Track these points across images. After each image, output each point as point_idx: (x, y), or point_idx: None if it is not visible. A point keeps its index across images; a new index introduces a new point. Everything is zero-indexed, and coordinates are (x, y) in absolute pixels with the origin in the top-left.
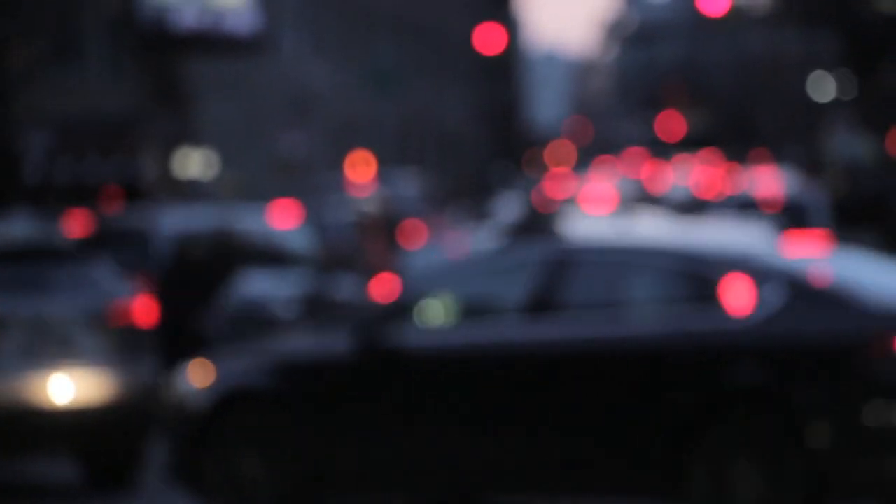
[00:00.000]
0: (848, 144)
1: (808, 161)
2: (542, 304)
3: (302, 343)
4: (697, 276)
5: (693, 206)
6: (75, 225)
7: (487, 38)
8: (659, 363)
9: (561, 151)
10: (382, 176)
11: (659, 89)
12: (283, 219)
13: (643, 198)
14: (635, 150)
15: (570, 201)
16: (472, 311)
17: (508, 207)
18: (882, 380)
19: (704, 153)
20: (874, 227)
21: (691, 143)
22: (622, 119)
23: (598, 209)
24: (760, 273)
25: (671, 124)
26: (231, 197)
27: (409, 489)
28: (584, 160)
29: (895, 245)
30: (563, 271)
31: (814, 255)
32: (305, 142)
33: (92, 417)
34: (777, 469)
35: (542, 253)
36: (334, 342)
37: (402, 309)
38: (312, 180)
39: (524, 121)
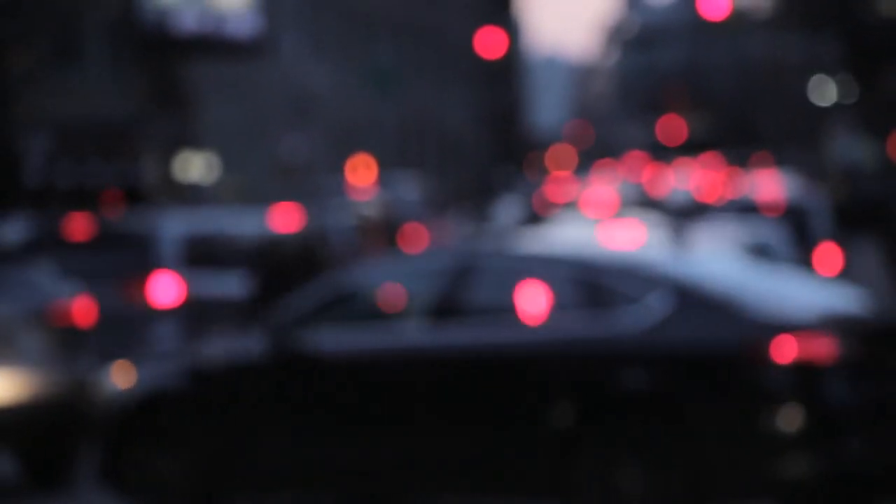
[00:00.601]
0: (849, 148)
1: (810, 165)
2: (446, 309)
3: (220, 347)
4: (590, 283)
5: (694, 210)
6: (75, 228)
7: (488, 42)
8: (551, 368)
9: (562, 155)
10: (383, 179)
11: (660, 93)
12: (283, 222)
13: (644, 201)
14: (636, 154)
15: (571, 205)
16: (381, 314)
17: (509, 211)
18: (762, 385)
19: (705, 157)
20: (875, 231)
21: (692, 147)
22: (623, 123)
23: (599, 213)
24: (648, 281)
25: (672, 128)
26: (232, 200)
27: (320, 489)
28: (585, 164)
29: (895, 248)
30: (467, 277)
31: (703, 261)
32: (306, 145)
33: (30, 416)
34: (664, 473)
35: (449, 259)
36: (248, 346)
37: (315, 312)
38: (313, 184)
39: (525, 124)
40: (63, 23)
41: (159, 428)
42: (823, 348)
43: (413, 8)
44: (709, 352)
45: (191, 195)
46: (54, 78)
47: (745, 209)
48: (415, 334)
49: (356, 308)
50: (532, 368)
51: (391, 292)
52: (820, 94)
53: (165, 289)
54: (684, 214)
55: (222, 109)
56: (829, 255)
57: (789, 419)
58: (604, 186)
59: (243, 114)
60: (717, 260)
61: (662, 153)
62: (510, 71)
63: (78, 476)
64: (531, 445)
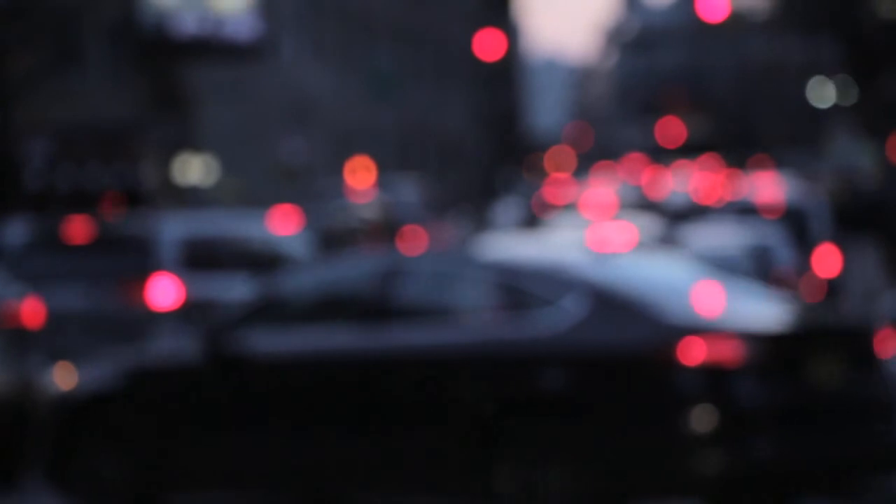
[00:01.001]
0: (848, 150)
1: (809, 167)
2: (374, 311)
3: (159, 349)
4: (510, 286)
5: (693, 212)
6: (75, 230)
7: (487, 45)
8: (472, 370)
9: (561, 157)
10: (382, 182)
11: (659, 95)
12: (283, 225)
13: (643, 204)
14: (635, 156)
15: (570, 207)
16: (315, 316)
17: (508, 213)
18: (672, 386)
19: (704, 159)
20: (874, 233)
21: (691, 149)
22: (622, 125)
23: (598, 215)
24: (566, 284)
25: (671, 130)
26: (231, 203)
27: (257, 488)
28: (584, 166)
29: (895, 251)
30: (394, 280)
31: (623, 264)
32: (305, 148)
33: None
34: (580, 473)
35: (376, 262)
36: (186, 348)
37: (250, 314)
38: (313, 186)
39: (524, 127)
40: (63, 26)
41: (102, 428)
42: (730, 350)
43: (412, 10)
44: (622, 353)
45: (190, 198)
46: (54, 81)
47: (745, 211)
48: (343, 337)
49: (289, 310)
50: (453, 370)
51: (322, 295)
52: (819, 96)
53: (165, 291)
54: (683, 216)
55: (222, 112)
56: (828, 257)
57: (699, 419)
58: (603, 188)
59: (243, 117)
60: (642, 262)
61: (661, 155)
62: (509, 73)
63: (25, 476)
64: (453, 445)
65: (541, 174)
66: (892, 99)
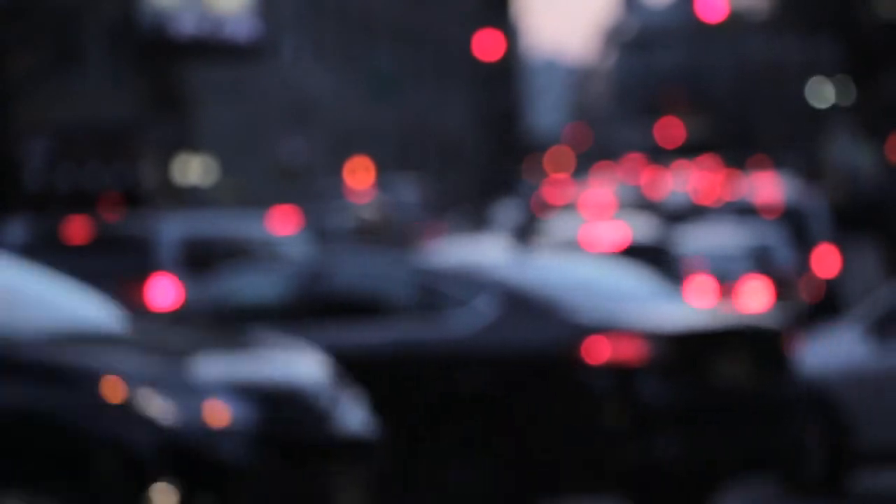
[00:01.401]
0: (847, 151)
1: (808, 167)
2: (297, 312)
3: None
4: (427, 288)
5: (692, 213)
6: (75, 230)
7: (487, 45)
8: (389, 370)
9: (560, 158)
10: (382, 182)
11: (658, 95)
12: (282, 225)
13: (642, 204)
14: (634, 157)
15: (570, 207)
16: (245, 317)
17: (507, 214)
18: (578, 385)
19: (703, 159)
20: (873, 233)
21: (690, 149)
22: (621, 125)
23: (598, 215)
24: (480, 286)
25: (670, 130)
26: (231, 203)
27: None
28: (584, 166)
29: (894, 250)
30: (319, 282)
31: (536, 265)
32: (305, 148)
33: None
34: (494, 470)
35: (301, 264)
36: None
37: (182, 315)
38: (312, 186)
39: (523, 127)
40: (62, 26)
41: None
42: (634, 349)
43: (412, 10)
44: (530, 353)
45: (190, 198)
46: (54, 81)
47: (744, 211)
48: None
49: (220, 311)
50: (371, 370)
51: (254, 298)
52: (818, 96)
53: (164, 291)
54: (682, 217)
55: (221, 112)
56: (827, 257)
57: (605, 417)
58: (602, 189)
59: (242, 117)
60: (561, 264)
61: (660, 155)
62: (508, 73)
63: None
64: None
65: (540, 174)
66: (891, 99)
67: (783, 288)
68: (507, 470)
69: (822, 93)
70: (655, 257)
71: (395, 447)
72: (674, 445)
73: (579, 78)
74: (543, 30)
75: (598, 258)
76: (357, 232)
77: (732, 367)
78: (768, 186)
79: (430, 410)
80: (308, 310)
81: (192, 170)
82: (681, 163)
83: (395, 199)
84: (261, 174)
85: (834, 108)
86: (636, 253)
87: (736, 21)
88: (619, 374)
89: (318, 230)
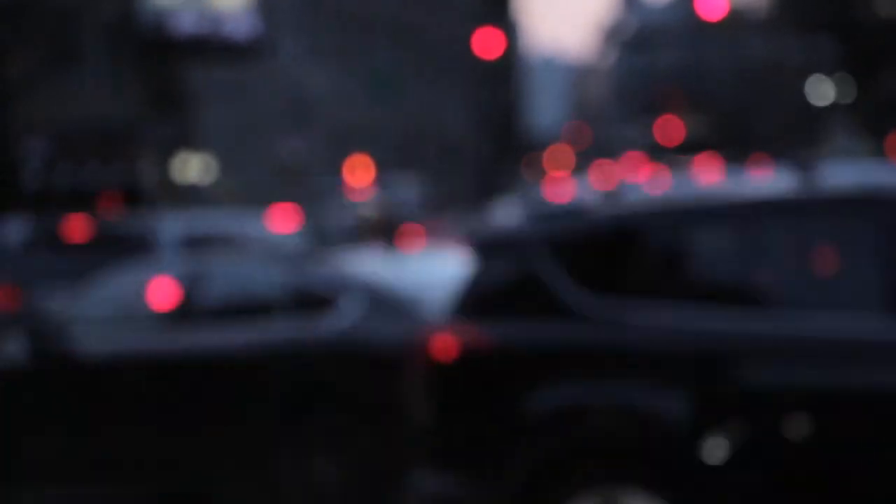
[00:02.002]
0: (846, 149)
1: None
2: (178, 313)
3: None
4: (299, 289)
5: None
6: (74, 229)
7: (486, 43)
8: (260, 369)
9: (560, 156)
10: (381, 180)
11: (657, 94)
12: (281, 224)
13: None
14: (634, 155)
15: None
16: (128, 318)
17: (506, 212)
18: (432, 381)
19: (703, 157)
20: None
21: (690, 148)
22: (621, 123)
23: None
24: (345, 285)
25: (670, 129)
26: (230, 202)
27: (83, 485)
28: (583, 164)
29: None
30: (198, 283)
31: (401, 265)
32: (304, 146)
33: None
34: (357, 467)
35: (182, 265)
36: (14, 348)
37: (76, 315)
38: (312, 185)
39: (523, 125)
40: (61, 26)
41: None
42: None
43: (411, 9)
44: (389, 350)
45: (189, 197)
46: (53, 81)
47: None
48: (153, 338)
49: (111, 312)
50: (242, 370)
51: (134, 298)
52: (817, 95)
53: (164, 291)
54: None
55: (221, 111)
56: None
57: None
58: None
59: (241, 115)
60: (429, 262)
61: (660, 154)
62: (508, 72)
63: None
64: (240, 442)
65: (539, 173)
66: (890, 97)
67: None
68: (368, 464)
69: (822, 91)
70: None
71: (264, 442)
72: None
73: (579, 76)
74: (543, 28)
75: (459, 257)
76: (356, 230)
77: None
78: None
79: (297, 407)
80: (187, 312)
81: (192, 168)
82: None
83: (394, 198)
84: (260, 173)
85: (833, 106)
86: None
87: (735, 19)
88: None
89: (317, 229)
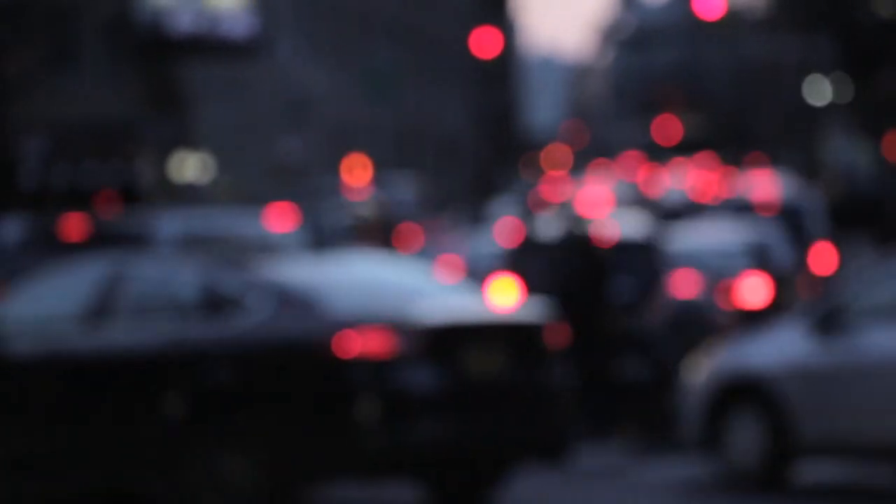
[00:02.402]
0: (844, 148)
1: (805, 165)
2: (97, 312)
3: None
4: (210, 288)
5: (689, 210)
6: (72, 228)
7: (484, 42)
8: (171, 367)
9: (557, 155)
10: (379, 180)
11: (655, 93)
12: (279, 223)
13: (639, 201)
14: (632, 154)
15: (567, 205)
16: (53, 318)
17: (504, 211)
18: (336, 376)
19: (701, 157)
20: (870, 230)
21: (688, 147)
22: (619, 123)
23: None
24: (254, 285)
25: (668, 128)
26: (228, 201)
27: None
28: (581, 164)
29: (891, 247)
30: (116, 283)
31: (308, 265)
32: (302, 146)
33: None
34: (264, 459)
35: (102, 266)
36: None
37: (11, 314)
38: (309, 184)
39: (521, 124)
40: (58, 25)
41: None
42: (385, 342)
43: (409, 8)
44: (294, 348)
45: (187, 196)
46: (50, 80)
47: (741, 209)
48: (72, 337)
49: (34, 312)
50: (155, 367)
51: (58, 298)
52: (815, 94)
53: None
54: (679, 214)
55: (218, 110)
56: (824, 255)
57: (360, 406)
58: (599, 186)
59: (239, 114)
60: (337, 263)
61: (658, 153)
62: (506, 71)
63: None
64: (152, 437)
65: (537, 172)
66: (888, 97)
67: (780, 285)
68: (276, 459)
69: (820, 90)
70: (644, 254)
71: (174, 439)
72: (428, 433)
73: (576, 75)
74: (540, 27)
75: (386, 257)
76: (354, 229)
77: (489, 359)
78: (765, 184)
79: (206, 404)
80: (103, 312)
81: (189, 167)
82: (678, 160)
83: (392, 197)
84: (258, 172)
85: (831, 105)
86: (625, 249)
87: (733, 19)
88: (370, 365)
89: (315, 228)
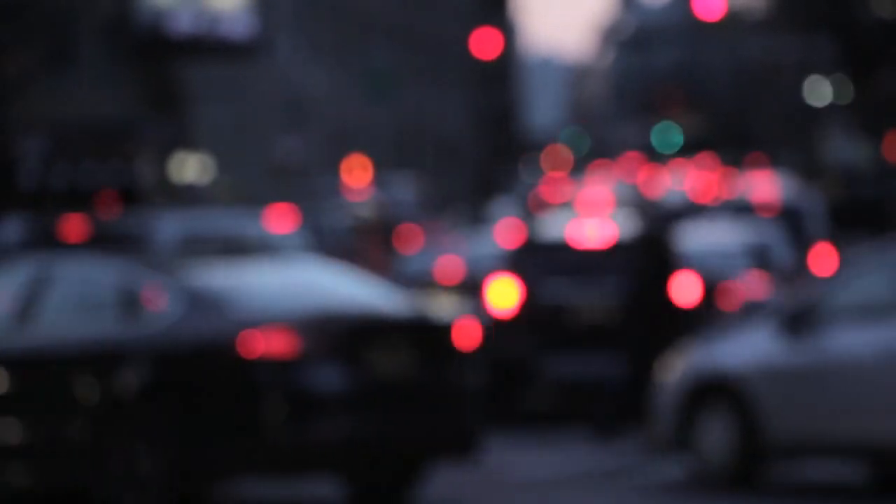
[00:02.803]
0: (844, 149)
1: (805, 165)
2: (23, 313)
3: None
4: (126, 289)
5: (689, 211)
6: (72, 230)
7: (484, 43)
8: (84, 367)
9: (557, 156)
10: (379, 180)
11: (655, 94)
12: (279, 223)
13: (640, 202)
14: (632, 155)
15: (567, 206)
16: None
17: (504, 212)
18: (241, 376)
19: (701, 158)
20: (870, 231)
21: (688, 148)
22: (618, 123)
23: (595, 213)
24: (168, 286)
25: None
26: (227, 202)
27: None
28: (581, 165)
29: None
30: (41, 284)
31: (219, 268)
32: (301, 146)
33: None
34: (176, 457)
35: (29, 266)
36: None
37: None
38: (309, 185)
39: (521, 125)
40: (58, 25)
41: None
42: (287, 342)
43: (408, 9)
44: (203, 349)
45: (186, 196)
46: (50, 80)
47: (741, 209)
48: (1, 337)
49: None
50: (75, 366)
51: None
52: (815, 95)
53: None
54: (679, 215)
55: (218, 111)
56: (824, 255)
57: (264, 405)
58: (599, 187)
59: (239, 115)
60: (251, 265)
61: (658, 154)
62: (506, 72)
63: None
64: (74, 434)
65: (537, 173)
66: (887, 97)
67: (780, 286)
68: (186, 456)
69: (820, 91)
70: (643, 254)
71: (95, 436)
72: (334, 432)
73: (576, 76)
74: (540, 28)
75: (311, 261)
76: (353, 230)
77: (395, 358)
78: (765, 185)
79: (123, 402)
80: (28, 312)
81: (189, 168)
82: (678, 161)
83: (391, 198)
84: (257, 172)
85: (831, 106)
86: (623, 250)
87: (733, 19)
88: (274, 365)
89: (314, 229)
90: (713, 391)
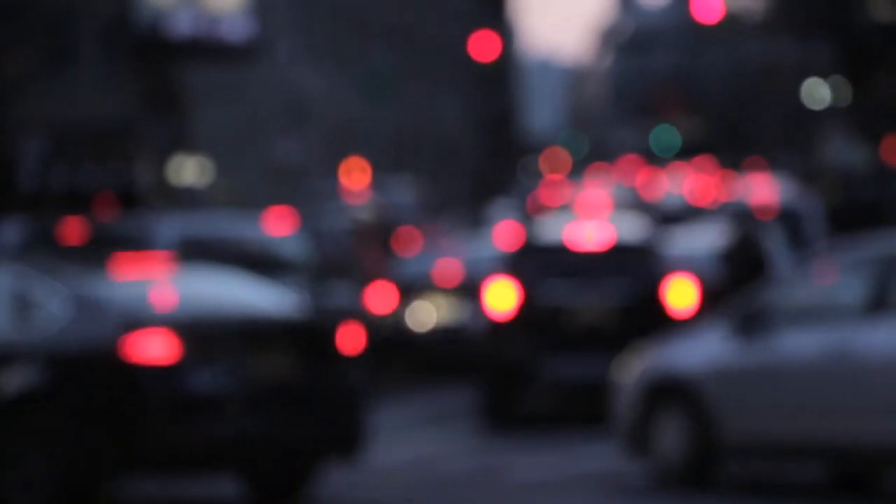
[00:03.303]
0: (842, 152)
1: (803, 168)
2: None
3: None
4: (19, 294)
5: (687, 214)
6: (70, 231)
7: (482, 46)
8: None
9: (556, 158)
10: (377, 183)
11: (654, 96)
12: (278, 226)
13: (638, 205)
14: (630, 158)
15: (565, 208)
16: None
17: (503, 215)
18: (124, 378)
19: (699, 160)
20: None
21: (686, 151)
22: (617, 126)
23: (593, 215)
24: (58, 291)
25: (666, 131)
26: (226, 204)
27: None
28: (579, 167)
29: None
30: None
31: (153, 276)
32: (300, 149)
33: None
34: (65, 459)
35: None
36: None
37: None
38: (308, 187)
39: (519, 128)
40: (57, 27)
41: None
42: (169, 345)
43: (407, 11)
44: (91, 352)
45: (185, 199)
46: (48, 82)
47: (739, 213)
48: None
49: None
50: None
51: None
52: (813, 98)
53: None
54: (678, 218)
55: (217, 112)
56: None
57: (150, 406)
58: (598, 190)
59: (238, 117)
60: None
61: (656, 157)
62: (504, 74)
63: None
64: None
65: (536, 175)
66: (886, 100)
67: None
68: (75, 458)
69: (818, 94)
70: (640, 257)
71: None
72: (214, 433)
73: (575, 78)
74: (539, 30)
75: (211, 269)
76: (353, 233)
77: (278, 361)
78: (764, 188)
79: (14, 404)
80: None
81: (188, 170)
82: (676, 164)
83: (390, 200)
84: (256, 175)
85: (830, 109)
86: (621, 253)
87: (732, 22)
88: (154, 368)
89: (313, 231)
90: (668, 392)
